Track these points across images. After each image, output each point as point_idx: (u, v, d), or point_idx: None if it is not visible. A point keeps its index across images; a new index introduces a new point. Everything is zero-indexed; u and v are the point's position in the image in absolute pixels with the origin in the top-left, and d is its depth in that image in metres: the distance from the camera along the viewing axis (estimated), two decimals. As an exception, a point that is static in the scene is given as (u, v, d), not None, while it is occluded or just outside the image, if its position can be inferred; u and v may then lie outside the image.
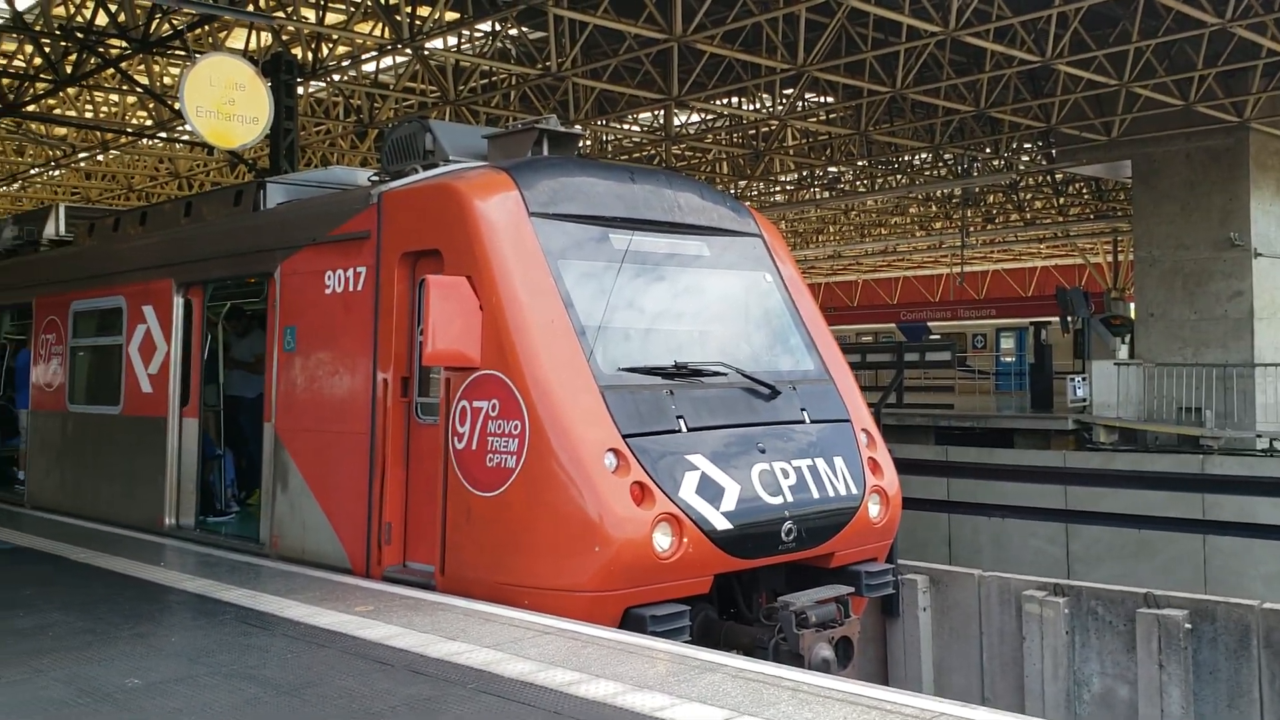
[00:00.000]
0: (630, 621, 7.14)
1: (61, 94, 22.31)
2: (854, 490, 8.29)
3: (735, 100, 26.46)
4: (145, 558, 9.02)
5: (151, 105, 23.82)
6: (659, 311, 8.39)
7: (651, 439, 7.48)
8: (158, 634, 6.50)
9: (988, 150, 29.60)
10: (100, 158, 30.00)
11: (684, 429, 7.68)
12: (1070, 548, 20.32)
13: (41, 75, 20.53)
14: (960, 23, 18.62)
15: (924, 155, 31.40)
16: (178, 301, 10.46)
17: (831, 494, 8.12)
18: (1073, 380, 25.59)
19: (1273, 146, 24.74)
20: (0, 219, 16.11)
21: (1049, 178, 33.66)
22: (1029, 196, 36.55)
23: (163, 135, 23.17)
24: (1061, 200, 35.22)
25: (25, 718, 4.98)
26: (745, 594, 8.16)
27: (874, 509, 8.43)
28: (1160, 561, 20.87)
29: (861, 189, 34.57)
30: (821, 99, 26.46)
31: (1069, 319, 26.65)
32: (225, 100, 9.98)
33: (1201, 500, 20.91)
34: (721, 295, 8.85)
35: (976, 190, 33.40)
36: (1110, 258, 39.66)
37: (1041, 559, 20.34)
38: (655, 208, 8.65)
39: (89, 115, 26.11)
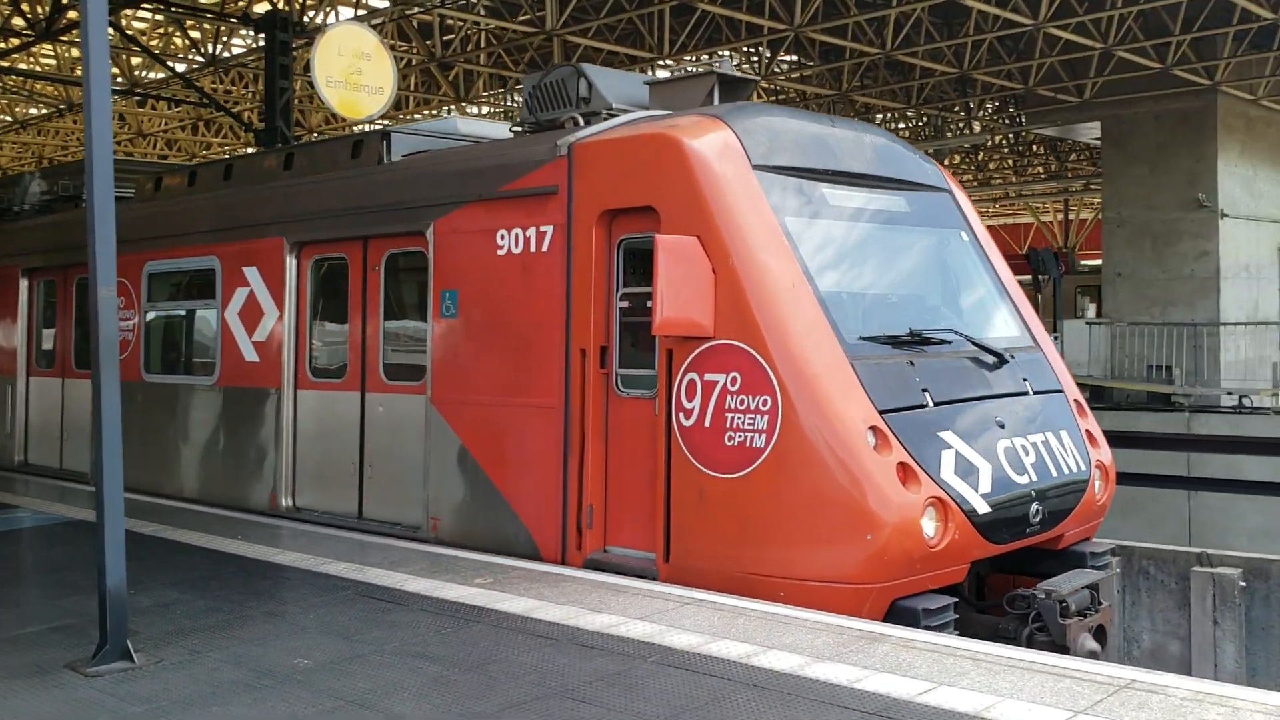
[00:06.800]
0: (898, 615, 6.55)
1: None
2: (1083, 466, 7.84)
3: (710, 58, 25.77)
4: (304, 548, 8.07)
5: (124, 57, 21.85)
6: (877, 273, 7.80)
7: (904, 415, 6.91)
8: (403, 626, 5.71)
9: (959, 111, 29.51)
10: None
11: (930, 403, 7.14)
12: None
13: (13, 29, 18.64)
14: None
15: (893, 114, 31.19)
16: (290, 262, 9.41)
17: (1067, 471, 7.66)
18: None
19: (1239, 109, 25.23)
20: (20, 174, 14.46)
21: (1009, 139, 33.93)
22: (984, 158, 36.75)
23: (137, 92, 21.32)
24: (1020, 161, 35.59)
25: (225, 703, 4.24)
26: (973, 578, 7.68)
27: (1097, 485, 8.01)
28: (1146, 518, 21.21)
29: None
30: (799, 59, 25.91)
31: (1040, 278, 26.89)
32: (352, 70, 9.25)
33: (1187, 458, 21.30)
34: (926, 255, 8.28)
35: (947, 152, 33.42)
36: (1061, 217, 40.28)
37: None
38: (857, 158, 8.02)
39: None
